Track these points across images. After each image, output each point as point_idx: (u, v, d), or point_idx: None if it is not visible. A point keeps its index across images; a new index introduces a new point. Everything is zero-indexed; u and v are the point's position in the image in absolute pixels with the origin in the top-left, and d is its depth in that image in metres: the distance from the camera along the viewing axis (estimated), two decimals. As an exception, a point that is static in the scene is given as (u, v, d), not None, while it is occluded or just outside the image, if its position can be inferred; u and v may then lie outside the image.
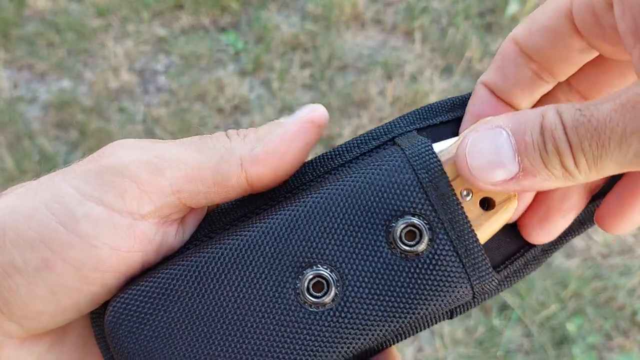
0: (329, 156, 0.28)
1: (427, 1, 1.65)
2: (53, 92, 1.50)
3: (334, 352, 0.24)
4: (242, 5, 1.66)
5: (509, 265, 0.28)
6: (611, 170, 0.21)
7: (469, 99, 0.28)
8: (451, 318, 0.26)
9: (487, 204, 0.25)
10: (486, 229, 0.25)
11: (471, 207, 0.25)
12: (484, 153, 0.23)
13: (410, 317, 0.24)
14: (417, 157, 0.24)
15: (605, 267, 1.25)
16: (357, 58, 1.56)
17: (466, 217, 0.24)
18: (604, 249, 1.28)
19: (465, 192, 0.25)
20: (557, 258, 1.26)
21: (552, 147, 0.21)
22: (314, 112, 0.26)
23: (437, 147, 0.26)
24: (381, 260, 0.24)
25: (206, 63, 1.55)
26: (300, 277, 0.24)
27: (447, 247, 0.24)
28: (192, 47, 1.57)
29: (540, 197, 0.27)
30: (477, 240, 0.24)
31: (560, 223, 0.28)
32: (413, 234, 0.24)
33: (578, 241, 1.29)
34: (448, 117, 0.29)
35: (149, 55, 1.58)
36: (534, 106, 0.27)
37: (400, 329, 0.25)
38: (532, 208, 0.27)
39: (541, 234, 0.28)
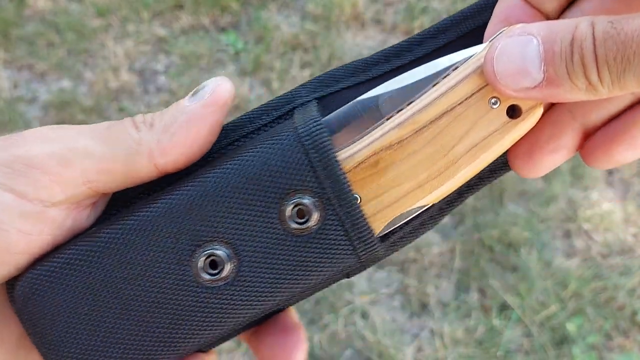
0: (231, 128, 0.29)
1: (427, 1, 1.65)
2: (53, 92, 1.50)
3: (230, 322, 0.26)
4: (242, 5, 1.66)
5: (403, 228, 0.28)
6: (633, 86, 0.21)
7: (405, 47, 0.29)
8: (348, 277, 0.29)
9: (513, 111, 0.26)
10: (510, 136, 0.26)
11: (498, 115, 0.25)
12: (511, 59, 0.23)
13: (302, 287, 0.26)
14: (307, 136, 0.25)
15: (605, 267, 1.25)
16: (357, 58, 1.56)
17: (352, 194, 0.25)
18: (604, 249, 1.28)
19: (493, 100, 0.25)
20: (557, 258, 1.26)
21: (579, 58, 0.21)
22: (217, 93, 0.26)
23: (469, 52, 0.26)
24: (274, 237, 0.25)
25: (206, 63, 1.55)
26: (196, 254, 0.25)
27: (335, 224, 0.25)
28: (192, 47, 1.57)
29: (532, 129, 0.27)
30: (362, 215, 0.25)
31: (549, 160, 0.27)
32: (302, 212, 0.25)
33: (578, 241, 1.29)
34: (350, 83, 0.29)
35: (149, 55, 1.58)
36: (564, 12, 0.28)
37: (293, 295, 0.27)
38: (523, 140, 0.27)
39: (526, 168, 0.28)
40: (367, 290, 1.22)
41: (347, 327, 1.17)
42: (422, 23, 1.60)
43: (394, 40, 1.60)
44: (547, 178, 1.36)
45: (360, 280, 1.22)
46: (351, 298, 1.20)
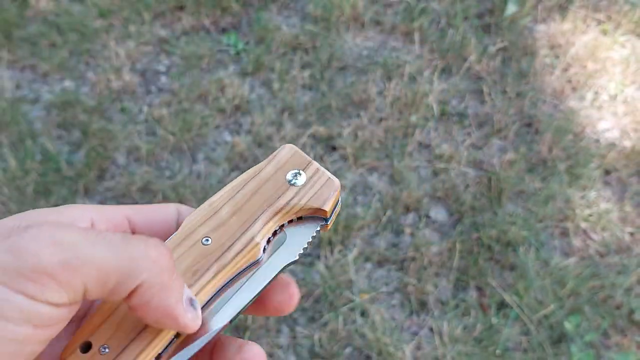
0: None
1: (427, 2, 1.66)
2: (55, 93, 1.51)
3: None
4: (243, 6, 1.67)
5: None
6: None
7: None
8: None
9: None
10: None
11: None
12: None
13: None
14: None
15: (603, 266, 1.26)
16: (356, 58, 1.57)
17: None
18: (602, 247, 1.29)
19: None
20: (555, 257, 1.27)
21: None
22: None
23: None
24: None
25: (207, 63, 1.56)
26: None
27: None
28: (193, 47, 1.58)
29: None
30: None
31: None
32: None
33: (576, 240, 1.30)
34: None
35: (151, 56, 1.59)
36: None
37: None
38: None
39: None
40: (367, 289, 1.22)
41: (347, 325, 1.18)
42: (422, 24, 1.61)
43: (394, 40, 1.61)
44: (545, 178, 1.37)
45: (359, 278, 1.23)
46: (351, 296, 1.20)
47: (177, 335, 0.30)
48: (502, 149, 1.42)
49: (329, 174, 0.34)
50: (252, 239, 0.31)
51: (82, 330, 0.30)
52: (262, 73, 1.54)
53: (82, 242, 0.26)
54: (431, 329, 1.18)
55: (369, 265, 1.25)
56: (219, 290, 0.31)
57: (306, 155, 0.34)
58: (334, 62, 1.55)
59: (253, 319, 1.18)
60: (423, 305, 1.21)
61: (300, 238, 0.33)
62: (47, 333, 0.26)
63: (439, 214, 1.33)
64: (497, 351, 1.15)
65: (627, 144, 1.43)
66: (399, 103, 1.47)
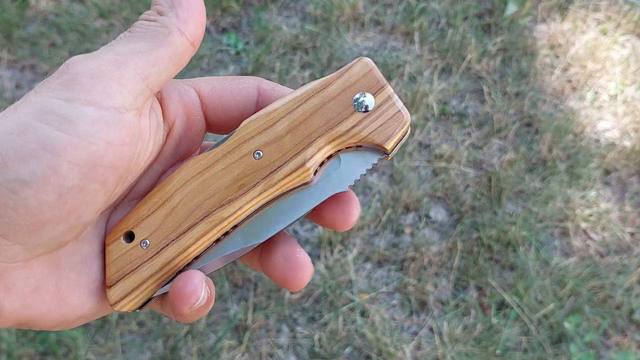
0: None
1: (426, 2, 1.66)
2: (55, 93, 1.51)
3: None
4: (243, 6, 1.67)
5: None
6: None
7: None
8: None
9: None
10: None
11: None
12: None
13: None
14: None
15: (603, 266, 1.26)
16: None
17: None
18: (602, 247, 1.29)
19: None
20: (555, 257, 1.27)
21: None
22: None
23: None
24: None
25: (207, 63, 1.56)
26: None
27: None
28: (193, 47, 1.58)
29: None
30: None
31: None
32: None
33: (576, 240, 1.30)
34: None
35: (151, 56, 1.58)
36: None
37: None
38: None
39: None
40: (367, 289, 1.22)
41: (347, 325, 1.18)
42: (421, 24, 1.61)
43: (394, 40, 1.61)
44: (545, 178, 1.37)
45: (359, 278, 1.23)
46: (351, 296, 1.20)
47: (217, 240, 0.31)
48: (502, 149, 1.42)
49: (400, 105, 0.30)
50: (304, 163, 0.30)
51: (128, 218, 0.30)
52: (262, 73, 1.54)
53: (113, 44, 0.27)
54: (431, 329, 1.18)
55: (368, 265, 1.25)
56: (265, 205, 0.30)
57: (381, 76, 0.30)
58: (334, 62, 1.55)
59: (253, 319, 1.18)
60: (423, 305, 1.21)
61: (355, 168, 0.30)
62: (119, 154, 0.26)
63: (439, 213, 1.33)
64: (497, 351, 1.15)
65: (627, 143, 1.43)
66: (399, 103, 1.47)
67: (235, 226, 0.31)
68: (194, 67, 1.54)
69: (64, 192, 0.26)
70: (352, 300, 1.20)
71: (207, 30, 1.63)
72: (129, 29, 0.29)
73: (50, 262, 0.29)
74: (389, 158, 0.31)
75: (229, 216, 0.30)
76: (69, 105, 0.25)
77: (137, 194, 0.32)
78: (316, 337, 1.16)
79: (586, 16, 1.65)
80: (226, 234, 0.31)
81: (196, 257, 0.31)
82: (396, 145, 0.30)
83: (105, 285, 0.31)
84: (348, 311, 1.19)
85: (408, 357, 1.14)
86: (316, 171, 0.30)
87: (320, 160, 0.30)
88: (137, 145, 0.28)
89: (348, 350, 1.16)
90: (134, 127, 0.27)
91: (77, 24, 1.62)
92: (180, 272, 0.31)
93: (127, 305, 0.30)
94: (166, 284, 0.31)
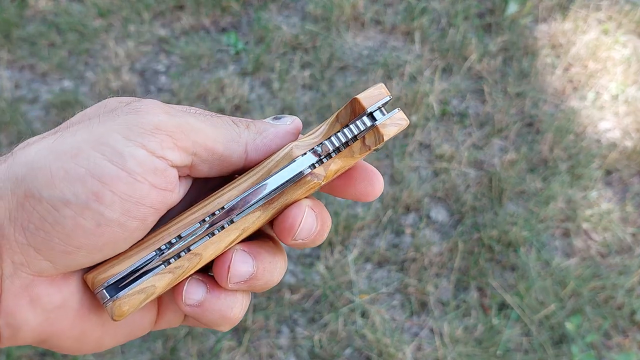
0: None
1: (427, 1, 1.66)
2: (54, 92, 1.50)
3: None
4: (243, 6, 1.67)
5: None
6: None
7: None
8: None
9: None
10: None
11: None
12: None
13: None
14: None
15: (604, 267, 1.25)
16: (357, 58, 1.57)
17: None
18: (603, 248, 1.28)
19: None
20: (557, 257, 1.26)
21: None
22: (295, 123, 0.33)
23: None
24: None
25: (207, 63, 1.56)
26: None
27: None
28: (192, 47, 1.57)
29: None
30: None
31: None
32: None
33: (577, 241, 1.29)
34: None
35: (150, 56, 1.58)
36: None
37: None
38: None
39: None
40: (367, 290, 1.22)
41: (347, 326, 1.17)
42: (422, 23, 1.61)
43: (394, 40, 1.61)
44: (546, 178, 1.37)
45: (360, 279, 1.23)
46: (351, 297, 1.20)
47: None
48: (503, 149, 1.42)
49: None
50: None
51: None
52: (262, 73, 1.54)
53: (186, 115, 0.30)
54: (432, 330, 1.18)
55: (369, 266, 1.25)
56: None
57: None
58: (334, 62, 1.55)
59: (253, 320, 1.17)
60: (423, 306, 1.21)
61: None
62: (159, 198, 0.28)
63: (439, 214, 1.32)
64: (498, 352, 1.14)
65: (629, 144, 1.43)
66: (399, 103, 1.47)
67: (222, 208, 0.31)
68: (194, 67, 1.54)
69: (103, 222, 0.27)
70: (352, 301, 1.20)
71: (207, 30, 1.63)
72: (208, 113, 0.31)
73: (77, 279, 0.30)
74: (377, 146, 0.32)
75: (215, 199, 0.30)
76: (125, 142, 0.27)
77: None
78: (316, 338, 1.16)
79: (587, 16, 1.65)
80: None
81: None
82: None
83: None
84: (348, 312, 1.19)
85: (408, 358, 1.14)
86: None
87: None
88: (172, 196, 0.29)
89: (348, 351, 1.15)
90: (174, 181, 0.29)
91: (76, 24, 1.61)
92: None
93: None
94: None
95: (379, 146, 0.31)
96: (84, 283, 0.30)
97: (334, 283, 1.21)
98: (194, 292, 0.30)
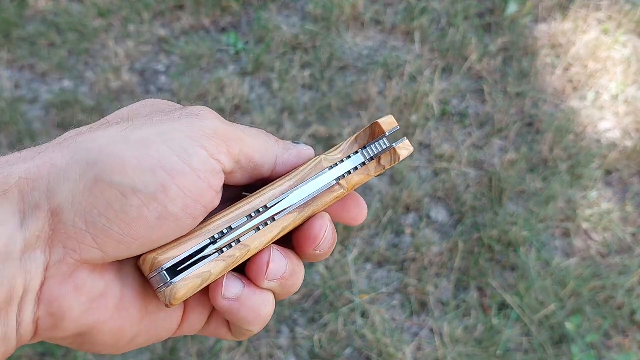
0: None
1: (427, 1, 1.66)
2: (54, 92, 1.50)
3: None
4: (243, 5, 1.67)
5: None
6: None
7: None
8: None
9: None
10: None
11: None
12: None
13: None
14: None
15: (604, 267, 1.25)
16: (357, 58, 1.57)
17: None
18: (603, 248, 1.28)
19: None
20: (557, 257, 1.26)
21: None
22: (310, 150, 0.35)
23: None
24: None
25: (207, 63, 1.56)
26: None
27: None
28: (192, 47, 1.57)
29: None
30: None
31: None
32: None
33: (577, 241, 1.29)
34: None
35: (150, 56, 1.58)
36: None
37: None
38: None
39: None
40: (367, 290, 1.22)
41: (347, 326, 1.17)
42: (422, 23, 1.61)
43: (394, 40, 1.61)
44: (546, 178, 1.37)
45: (360, 279, 1.23)
46: (351, 297, 1.20)
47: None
48: (503, 149, 1.42)
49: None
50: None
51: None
52: (262, 73, 1.54)
53: (234, 124, 0.32)
54: (432, 330, 1.18)
55: (369, 266, 1.25)
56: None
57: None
58: (334, 62, 1.55)
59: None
60: (423, 306, 1.21)
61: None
62: (210, 197, 0.29)
63: (439, 214, 1.32)
64: (498, 352, 1.14)
65: (629, 144, 1.43)
66: (399, 103, 1.47)
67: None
68: (194, 67, 1.54)
69: (164, 215, 0.28)
70: (352, 301, 1.20)
71: (207, 30, 1.63)
72: (244, 127, 0.33)
73: (118, 267, 0.30)
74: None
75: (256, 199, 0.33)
76: (189, 141, 0.28)
77: None
78: (316, 338, 1.16)
79: (587, 16, 1.65)
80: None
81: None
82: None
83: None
84: (348, 312, 1.19)
85: (408, 358, 1.14)
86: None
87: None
88: (219, 197, 0.31)
89: (348, 351, 1.15)
90: (221, 186, 0.30)
91: (76, 24, 1.61)
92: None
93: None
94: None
95: (391, 166, 0.35)
96: (126, 272, 0.30)
97: (334, 283, 1.21)
98: (233, 286, 0.31)
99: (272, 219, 0.32)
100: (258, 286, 0.32)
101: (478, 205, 1.32)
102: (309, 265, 1.24)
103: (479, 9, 1.66)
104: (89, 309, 0.28)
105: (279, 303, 1.19)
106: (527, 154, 1.40)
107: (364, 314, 1.19)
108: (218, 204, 0.30)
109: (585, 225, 1.31)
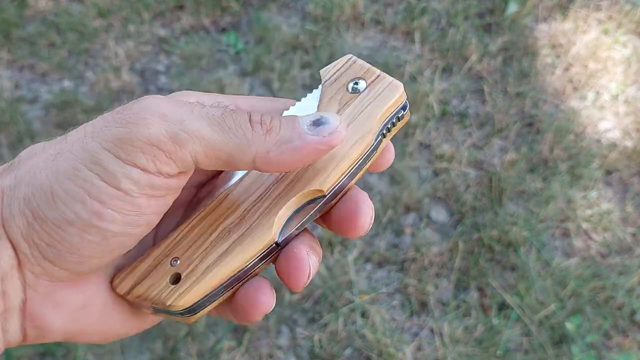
0: None
1: (427, 1, 1.66)
2: (54, 92, 1.50)
3: None
4: (243, 5, 1.67)
5: None
6: None
7: None
8: None
9: None
10: None
11: None
12: None
13: None
14: None
15: (604, 267, 1.25)
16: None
17: None
18: (603, 248, 1.28)
19: None
20: (557, 257, 1.26)
21: None
22: (335, 135, 0.29)
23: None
24: None
25: (207, 63, 1.56)
26: None
27: None
28: (192, 47, 1.57)
29: None
30: None
31: None
32: None
33: (577, 241, 1.29)
34: None
35: (150, 56, 1.58)
36: None
37: None
38: None
39: None
40: (367, 290, 1.22)
41: (347, 326, 1.17)
42: (422, 23, 1.61)
43: (394, 40, 1.61)
44: (546, 178, 1.37)
45: (360, 279, 1.23)
46: (351, 297, 1.20)
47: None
48: (503, 149, 1.42)
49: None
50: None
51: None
52: (262, 73, 1.54)
53: (188, 118, 0.27)
54: (432, 330, 1.18)
55: (369, 266, 1.25)
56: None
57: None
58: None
59: (253, 320, 1.17)
60: (423, 306, 1.21)
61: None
62: (161, 203, 0.28)
63: (439, 214, 1.32)
64: (498, 352, 1.14)
65: (629, 144, 1.43)
66: (399, 103, 1.47)
67: None
68: (194, 67, 1.54)
69: (109, 236, 0.27)
70: (352, 301, 1.20)
71: (207, 30, 1.63)
72: (222, 110, 0.28)
73: (98, 277, 0.31)
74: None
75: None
76: (116, 162, 0.27)
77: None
78: (316, 338, 1.16)
79: (587, 16, 1.65)
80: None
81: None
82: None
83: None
84: (348, 312, 1.19)
85: (408, 358, 1.14)
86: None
87: None
88: (179, 188, 0.29)
89: (348, 351, 1.15)
90: (176, 185, 0.29)
91: (76, 24, 1.61)
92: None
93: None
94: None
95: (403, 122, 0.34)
96: (105, 279, 0.31)
97: (334, 283, 1.21)
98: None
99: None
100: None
101: (478, 205, 1.32)
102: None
103: (479, 9, 1.66)
104: (72, 320, 0.29)
105: (278, 303, 1.19)
106: (527, 154, 1.40)
107: (364, 314, 1.19)
108: (184, 184, 0.29)
109: (585, 225, 1.31)
